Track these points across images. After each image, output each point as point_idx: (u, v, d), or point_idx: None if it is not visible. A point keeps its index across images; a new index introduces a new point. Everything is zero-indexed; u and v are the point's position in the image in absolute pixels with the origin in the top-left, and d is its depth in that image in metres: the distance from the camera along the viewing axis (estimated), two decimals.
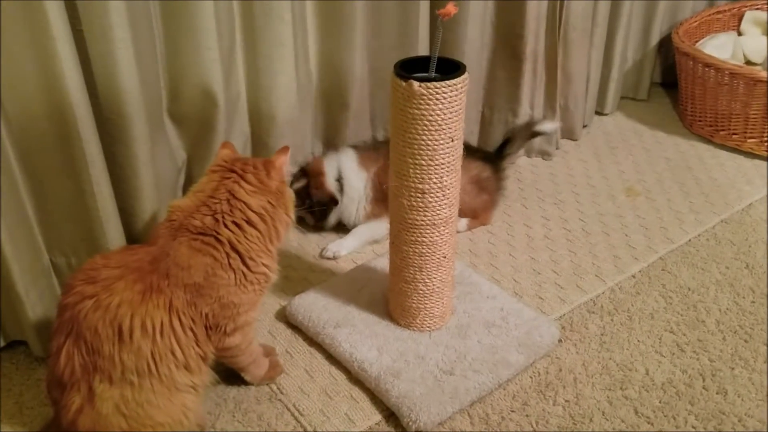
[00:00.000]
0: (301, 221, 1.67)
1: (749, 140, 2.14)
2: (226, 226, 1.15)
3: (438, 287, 1.37)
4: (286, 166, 1.26)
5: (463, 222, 1.79)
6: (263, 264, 1.19)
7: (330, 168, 1.73)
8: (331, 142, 1.85)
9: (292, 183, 1.68)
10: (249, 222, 1.18)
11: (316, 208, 1.71)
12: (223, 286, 1.14)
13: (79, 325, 1.06)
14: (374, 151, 1.76)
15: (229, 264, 1.15)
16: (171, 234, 1.14)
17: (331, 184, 1.72)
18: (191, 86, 1.51)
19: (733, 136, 2.17)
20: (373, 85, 1.84)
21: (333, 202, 1.72)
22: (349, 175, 1.72)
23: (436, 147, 1.20)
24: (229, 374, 1.30)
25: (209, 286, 1.13)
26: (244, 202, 1.17)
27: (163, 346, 1.09)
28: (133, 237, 1.45)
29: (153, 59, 1.42)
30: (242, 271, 1.16)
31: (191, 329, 1.12)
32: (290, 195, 1.27)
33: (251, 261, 1.17)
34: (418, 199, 1.26)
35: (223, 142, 1.26)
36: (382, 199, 1.71)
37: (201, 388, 1.17)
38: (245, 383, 1.33)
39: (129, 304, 1.07)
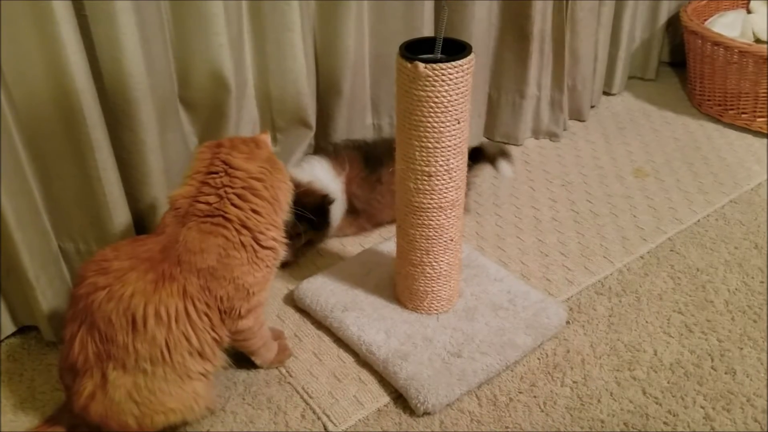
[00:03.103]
0: (310, 243, 1.62)
1: (758, 119, 2.12)
2: (231, 202, 1.15)
3: (445, 270, 1.37)
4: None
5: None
6: (272, 238, 1.20)
7: (308, 176, 1.60)
8: (323, 131, 1.81)
9: None
10: (252, 190, 1.17)
11: (314, 216, 1.54)
12: (237, 266, 1.14)
13: (93, 315, 1.07)
14: (341, 157, 1.66)
15: (241, 242, 1.15)
16: (178, 222, 1.14)
17: (318, 186, 1.59)
18: (201, 72, 1.50)
19: (742, 116, 2.15)
20: (377, 71, 1.82)
21: (328, 201, 1.57)
22: (329, 185, 1.61)
23: (442, 129, 1.20)
24: (239, 358, 1.31)
25: (223, 268, 1.13)
26: (242, 170, 1.17)
27: (177, 333, 1.09)
28: (141, 223, 1.46)
29: (161, 45, 1.42)
30: (253, 248, 1.16)
31: (206, 314, 1.13)
32: (281, 164, 1.26)
33: (261, 235, 1.17)
34: (425, 182, 1.26)
35: (197, 146, 1.25)
36: (351, 210, 1.66)
37: (212, 375, 1.18)
38: (255, 367, 1.34)
39: (142, 294, 1.07)
